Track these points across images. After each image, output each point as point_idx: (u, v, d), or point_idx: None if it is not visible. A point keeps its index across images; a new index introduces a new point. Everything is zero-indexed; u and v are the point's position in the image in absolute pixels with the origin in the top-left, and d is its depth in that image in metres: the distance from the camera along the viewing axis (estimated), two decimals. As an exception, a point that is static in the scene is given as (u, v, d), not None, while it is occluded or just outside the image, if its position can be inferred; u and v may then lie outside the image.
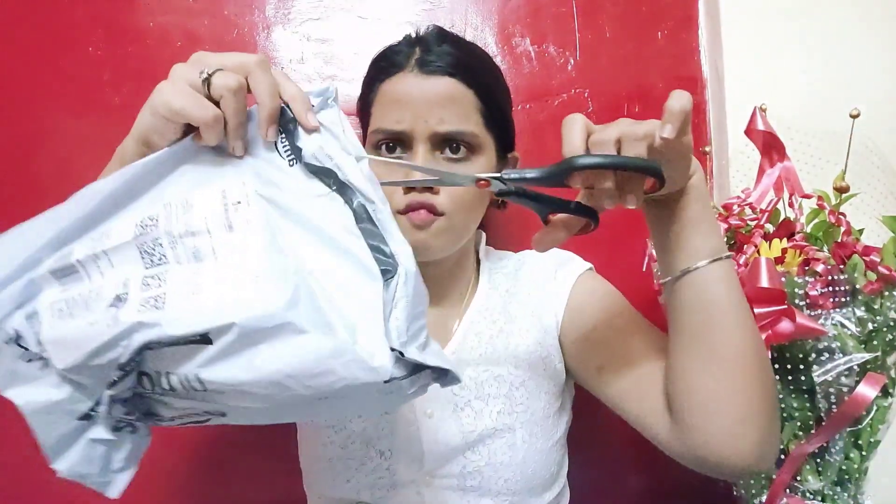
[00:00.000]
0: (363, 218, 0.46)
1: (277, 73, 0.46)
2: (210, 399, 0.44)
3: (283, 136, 0.47)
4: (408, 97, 0.63)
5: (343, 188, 0.46)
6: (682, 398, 0.54)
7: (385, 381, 0.41)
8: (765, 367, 0.53)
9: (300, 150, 0.47)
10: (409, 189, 0.63)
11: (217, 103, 0.44)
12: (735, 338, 0.52)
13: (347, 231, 0.45)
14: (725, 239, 0.71)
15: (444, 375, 0.45)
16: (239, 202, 0.45)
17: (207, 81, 0.43)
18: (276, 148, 0.47)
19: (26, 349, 0.44)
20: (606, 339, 0.66)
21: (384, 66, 0.67)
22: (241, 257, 0.43)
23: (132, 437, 0.46)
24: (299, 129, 0.47)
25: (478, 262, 0.78)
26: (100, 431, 0.44)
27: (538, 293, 0.72)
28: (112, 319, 0.41)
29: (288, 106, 0.47)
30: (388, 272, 0.44)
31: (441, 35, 0.68)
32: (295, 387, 0.41)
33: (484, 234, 0.81)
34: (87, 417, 0.44)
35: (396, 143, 0.65)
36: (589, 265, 0.75)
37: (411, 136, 0.63)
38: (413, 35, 0.69)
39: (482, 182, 0.49)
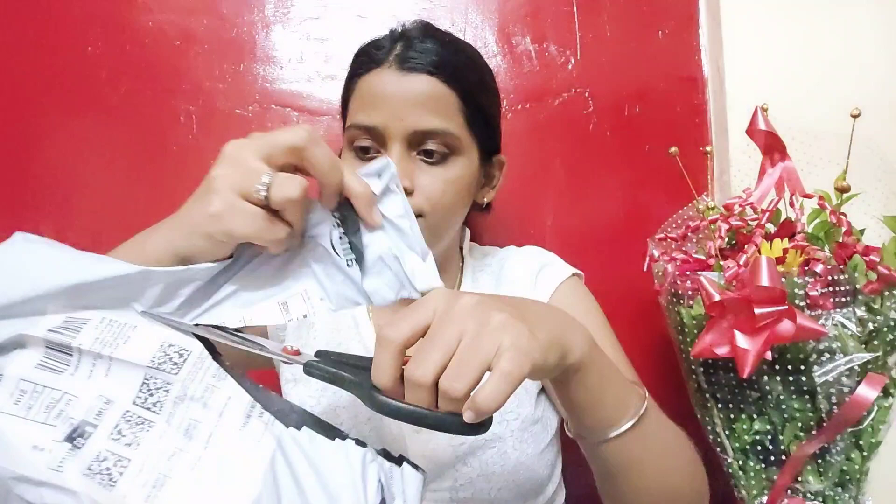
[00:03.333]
0: None
1: (337, 160, 0.43)
2: None
3: (343, 232, 0.43)
4: (383, 94, 0.61)
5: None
6: None
7: None
8: (684, 486, 0.54)
9: (361, 251, 0.43)
10: None
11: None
12: (654, 483, 0.52)
13: None
14: (726, 239, 0.71)
15: None
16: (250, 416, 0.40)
17: (266, 196, 0.40)
18: (332, 244, 0.43)
19: None
20: None
21: (363, 60, 0.65)
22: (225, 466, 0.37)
23: None
24: (360, 225, 0.43)
25: (462, 259, 0.77)
26: None
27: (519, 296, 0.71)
28: (57, 463, 0.34)
29: (347, 200, 0.43)
30: None
31: (425, 31, 0.66)
32: None
33: (468, 231, 0.80)
34: None
35: (371, 140, 0.63)
36: (573, 271, 0.73)
37: (384, 134, 0.62)
38: (398, 30, 0.67)
39: (290, 355, 0.44)
